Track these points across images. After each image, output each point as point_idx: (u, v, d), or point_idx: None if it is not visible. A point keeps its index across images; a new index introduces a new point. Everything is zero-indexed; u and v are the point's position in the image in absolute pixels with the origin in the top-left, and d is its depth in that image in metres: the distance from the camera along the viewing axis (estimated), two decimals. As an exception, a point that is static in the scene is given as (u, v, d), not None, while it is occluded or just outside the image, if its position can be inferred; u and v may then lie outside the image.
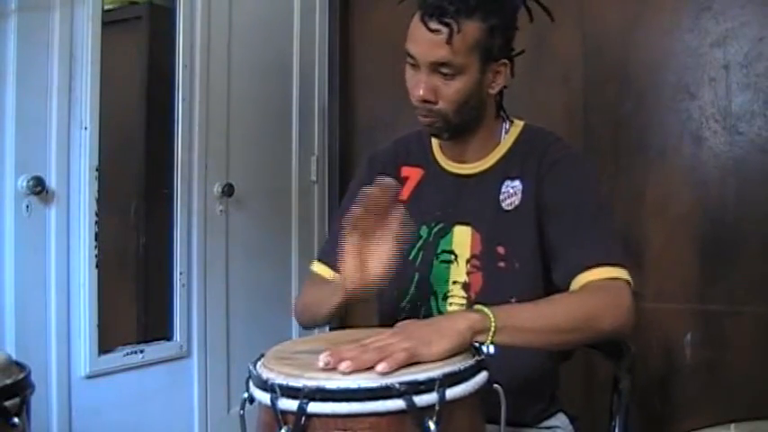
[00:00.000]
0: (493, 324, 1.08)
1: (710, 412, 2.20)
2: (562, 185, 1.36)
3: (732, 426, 1.15)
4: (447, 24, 1.29)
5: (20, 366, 1.14)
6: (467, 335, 1.05)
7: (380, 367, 0.94)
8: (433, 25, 1.29)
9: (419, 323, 1.10)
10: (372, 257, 1.22)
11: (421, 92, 1.33)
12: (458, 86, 1.33)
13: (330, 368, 0.95)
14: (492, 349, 1.33)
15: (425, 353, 0.99)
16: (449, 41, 1.29)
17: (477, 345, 1.08)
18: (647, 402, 2.32)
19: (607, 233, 1.33)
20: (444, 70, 1.32)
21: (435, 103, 1.35)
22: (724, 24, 2.29)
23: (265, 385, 0.96)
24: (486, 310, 1.10)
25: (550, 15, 1.44)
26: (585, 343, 1.40)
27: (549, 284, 1.36)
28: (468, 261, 1.41)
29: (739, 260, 2.27)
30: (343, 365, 0.94)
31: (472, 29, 1.31)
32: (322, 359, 0.96)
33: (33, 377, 1.12)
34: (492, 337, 1.08)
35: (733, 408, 2.14)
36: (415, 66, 1.35)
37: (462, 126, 1.40)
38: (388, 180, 1.22)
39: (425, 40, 1.31)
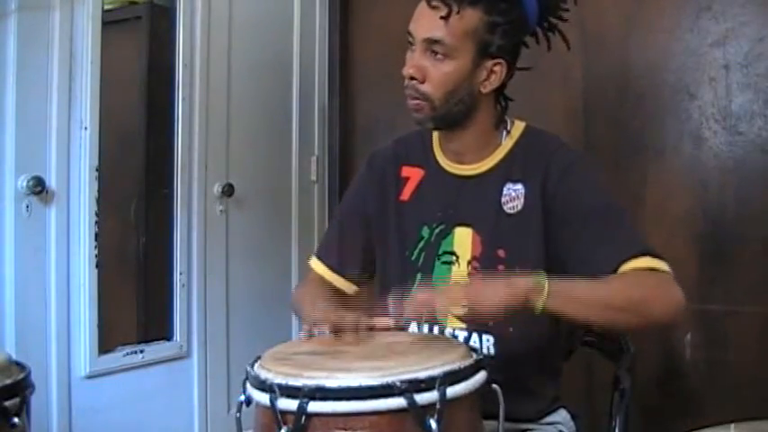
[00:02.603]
0: (546, 288, 1.12)
1: (710, 412, 2.20)
2: (580, 192, 1.35)
3: (732, 426, 1.15)
4: (448, 4, 1.30)
5: (20, 366, 1.14)
6: (520, 296, 1.11)
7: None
8: (435, 2, 1.31)
9: (480, 280, 1.19)
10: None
11: (410, 69, 1.35)
12: (446, 70, 1.33)
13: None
14: (492, 350, 1.34)
15: (480, 309, 1.08)
16: (446, 18, 1.30)
17: (474, 345, 1.08)
18: (647, 402, 2.32)
19: (637, 230, 1.35)
20: (436, 48, 1.32)
21: (422, 82, 1.35)
22: (724, 24, 2.29)
23: (264, 385, 0.96)
24: (541, 275, 1.15)
25: (567, 44, 1.46)
26: (630, 327, 1.40)
27: None
28: (469, 262, 1.40)
29: (739, 260, 2.26)
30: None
31: (472, 16, 1.32)
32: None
33: (33, 377, 1.13)
34: (544, 300, 1.12)
35: (733, 408, 2.14)
36: (412, 45, 1.36)
37: (449, 118, 1.39)
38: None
39: (424, 16, 1.33)
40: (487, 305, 1.08)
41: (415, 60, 1.34)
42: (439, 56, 1.33)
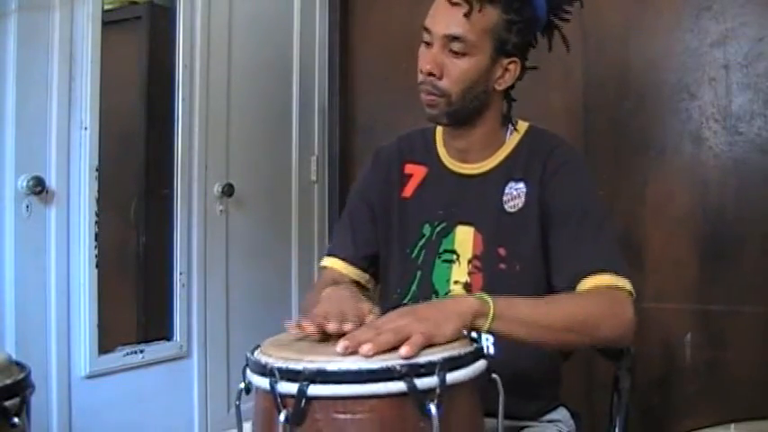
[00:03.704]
0: (491, 310, 1.09)
1: (710, 412, 2.20)
2: (566, 190, 1.36)
3: (732, 426, 1.16)
4: (469, 1, 1.30)
5: (20, 366, 1.14)
6: (468, 318, 1.07)
7: (404, 351, 0.94)
8: None
9: (423, 306, 1.12)
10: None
11: (427, 65, 1.34)
12: (465, 67, 1.34)
13: (350, 353, 0.95)
14: (492, 350, 1.34)
15: (438, 334, 1.00)
16: (468, 14, 1.30)
17: (474, 335, 1.08)
18: (647, 402, 2.32)
19: (611, 241, 1.34)
20: (455, 46, 1.32)
21: (440, 78, 1.35)
22: (724, 24, 2.29)
23: (264, 370, 0.95)
24: (486, 296, 1.11)
25: (567, 46, 1.46)
26: (581, 347, 1.40)
27: (551, 288, 1.36)
28: (469, 261, 1.40)
29: (739, 260, 2.27)
30: (365, 348, 0.94)
31: (492, 14, 1.32)
32: (340, 345, 0.96)
33: (33, 377, 1.12)
34: (490, 323, 1.09)
35: (733, 408, 2.14)
36: (429, 43, 1.36)
37: (463, 114, 1.39)
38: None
39: (444, 12, 1.33)
40: (443, 330, 1.02)
41: (433, 56, 1.34)
42: (458, 53, 1.33)
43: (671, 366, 2.34)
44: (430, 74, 1.34)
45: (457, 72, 1.34)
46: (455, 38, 1.32)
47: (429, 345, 0.98)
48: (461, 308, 1.08)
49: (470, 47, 1.32)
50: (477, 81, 1.35)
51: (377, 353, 0.94)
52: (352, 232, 1.52)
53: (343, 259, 1.50)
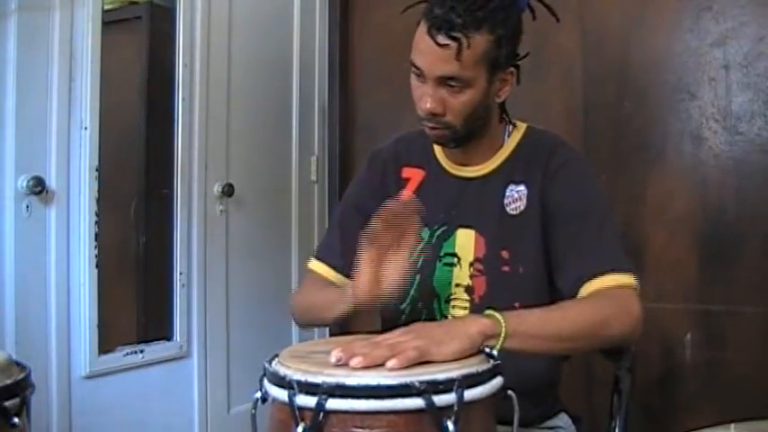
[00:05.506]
0: (503, 329, 1.09)
1: (710, 412, 2.20)
2: (566, 190, 1.36)
3: (732, 426, 1.15)
4: (455, 39, 1.26)
5: (20, 366, 1.14)
6: (477, 339, 1.06)
7: (391, 363, 0.95)
8: (441, 39, 1.26)
9: (431, 324, 1.11)
10: (387, 271, 1.23)
11: (428, 105, 1.31)
12: (465, 99, 1.31)
13: (342, 364, 0.96)
14: (495, 352, 1.34)
15: (435, 352, 1.00)
16: (458, 57, 1.26)
17: (489, 351, 1.08)
18: (647, 402, 2.32)
19: (612, 239, 1.33)
20: (452, 83, 1.30)
21: (443, 115, 1.33)
22: (724, 24, 2.29)
23: (282, 382, 0.96)
24: (497, 315, 1.11)
25: (555, 16, 1.42)
26: (594, 350, 1.40)
27: (554, 289, 1.36)
28: (471, 264, 1.40)
29: (739, 260, 2.26)
30: (355, 361, 0.96)
31: (480, 41, 1.28)
32: (334, 354, 0.98)
33: (33, 377, 1.12)
34: (502, 342, 1.09)
35: (733, 408, 2.14)
36: (421, 77, 1.32)
37: (469, 135, 1.38)
38: (408, 195, 1.21)
39: (433, 54, 1.28)
40: (443, 349, 1.01)
41: (432, 94, 1.31)
42: (455, 88, 1.30)
43: (671, 366, 2.34)
44: (432, 113, 1.33)
45: (459, 106, 1.32)
46: (449, 77, 1.29)
47: (425, 362, 0.98)
48: (470, 329, 1.07)
49: (467, 80, 1.29)
50: (478, 105, 1.34)
51: (367, 367, 0.95)
52: (342, 242, 1.51)
53: (332, 267, 1.51)
